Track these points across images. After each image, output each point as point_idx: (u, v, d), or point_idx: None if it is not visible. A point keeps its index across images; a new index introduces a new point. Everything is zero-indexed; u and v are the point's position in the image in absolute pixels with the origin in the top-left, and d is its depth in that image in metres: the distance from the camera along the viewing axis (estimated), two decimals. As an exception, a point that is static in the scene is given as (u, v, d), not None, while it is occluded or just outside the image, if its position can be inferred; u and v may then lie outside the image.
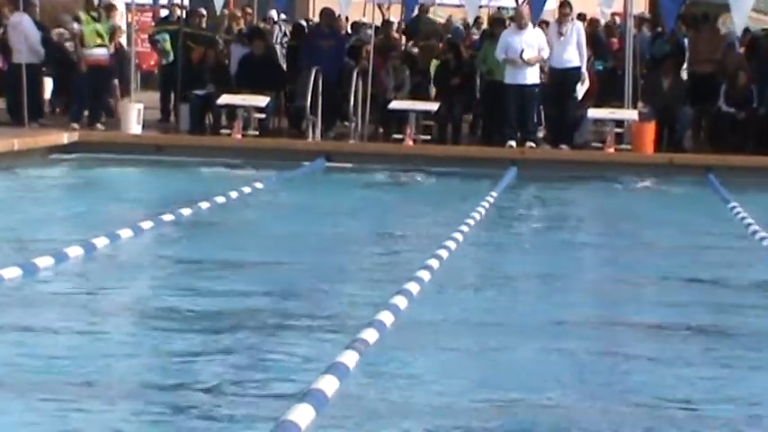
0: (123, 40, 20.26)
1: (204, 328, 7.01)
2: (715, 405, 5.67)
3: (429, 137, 18.33)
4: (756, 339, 7.11)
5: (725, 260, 10.11)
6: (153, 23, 21.64)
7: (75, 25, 18.46)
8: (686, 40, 19.65)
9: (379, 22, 21.50)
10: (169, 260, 9.40)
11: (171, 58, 19.53)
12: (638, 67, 18.34)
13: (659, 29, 20.88)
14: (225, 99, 17.84)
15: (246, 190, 13.45)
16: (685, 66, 19.39)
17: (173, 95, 19.64)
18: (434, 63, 19.35)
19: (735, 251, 10.61)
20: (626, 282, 9.12)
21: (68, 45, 19.08)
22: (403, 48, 20.32)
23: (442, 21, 24.53)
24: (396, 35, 21.13)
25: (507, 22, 19.10)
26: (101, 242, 9.53)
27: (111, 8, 19.17)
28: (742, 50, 19.40)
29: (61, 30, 18.72)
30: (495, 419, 5.45)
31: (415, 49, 20.27)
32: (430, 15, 23.80)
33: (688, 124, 18.33)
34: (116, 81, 19.45)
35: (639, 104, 18.11)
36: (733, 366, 6.47)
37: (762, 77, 18.43)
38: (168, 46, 19.51)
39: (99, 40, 18.08)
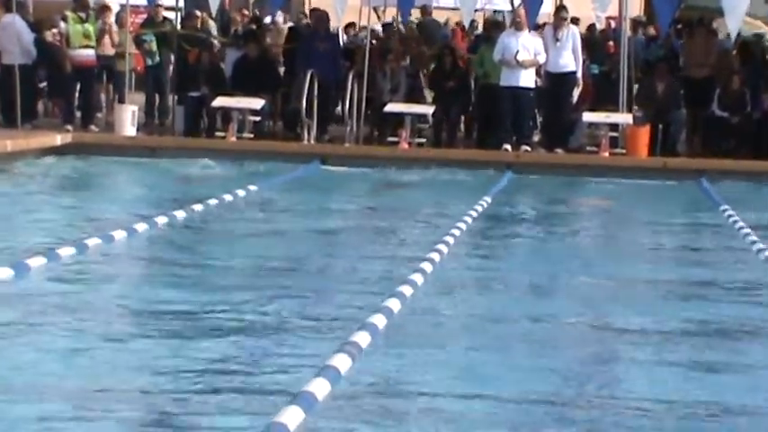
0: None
1: (195, 329, 7.02)
2: (704, 409, 5.68)
3: (424, 140, 18.35)
4: (745, 342, 7.13)
5: (716, 264, 10.14)
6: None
7: (62, 25, 18.46)
8: (680, 44, 19.69)
9: (374, 24, 21.51)
10: (162, 262, 9.42)
11: (157, 59, 19.54)
12: (633, 71, 18.37)
13: (653, 32, 20.92)
14: (220, 101, 17.85)
15: (241, 193, 13.46)
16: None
17: (157, 97, 19.64)
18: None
19: (726, 255, 10.63)
20: (617, 286, 9.13)
21: (62, 46, 19.08)
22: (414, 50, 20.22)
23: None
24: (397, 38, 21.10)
25: (505, 24, 19.15)
26: (93, 243, 9.54)
27: (104, 9, 19.15)
28: (735, 54, 19.43)
29: (54, 30, 18.71)
30: (486, 421, 5.45)
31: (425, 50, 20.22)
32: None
33: (682, 128, 18.37)
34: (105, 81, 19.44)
35: (634, 108, 18.15)
36: (724, 370, 6.48)
37: (755, 82, 18.47)
38: (154, 47, 19.51)
39: (85, 41, 18.08)
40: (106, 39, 18.68)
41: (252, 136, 17.87)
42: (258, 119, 18.10)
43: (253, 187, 13.93)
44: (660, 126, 17.98)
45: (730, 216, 12.58)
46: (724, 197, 14.09)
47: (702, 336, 7.28)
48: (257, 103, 17.88)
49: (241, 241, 10.64)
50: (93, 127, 18.21)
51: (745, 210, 13.05)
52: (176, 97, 18.84)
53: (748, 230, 11.36)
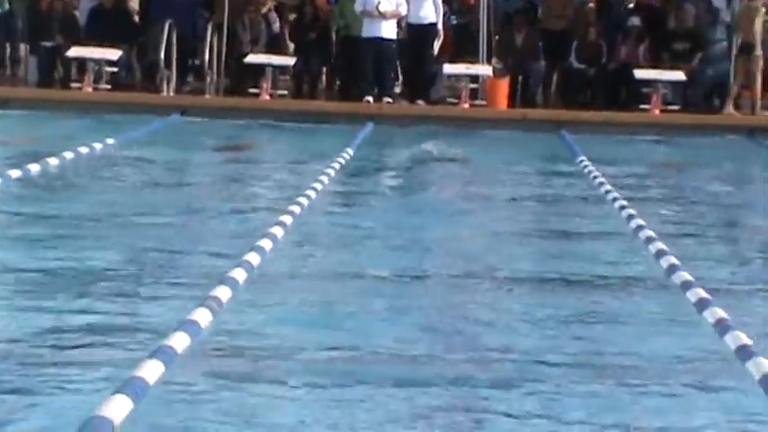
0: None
1: (50, 285, 6.88)
2: (557, 354, 5.77)
3: (285, 91, 18.24)
4: (599, 291, 7.26)
5: (573, 213, 10.31)
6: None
7: None
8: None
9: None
10: (15, 218, 9.18)
11: (6, 6, 19.01)
12: (493, 23, 18.49)
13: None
14: (75, 51, 17.46)
15: (98, 146, 13.20)
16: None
17: (8, 46, 19.10)
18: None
19: (582, 205, 10.82)
20: (477, 237, 9.22)
21: None
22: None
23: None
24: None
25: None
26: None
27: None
28: (592, 6, 19.70)
29: None
30: (346, 369, 5.46)
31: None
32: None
33: (541, 80, 18.59)
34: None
35: (493, 60, 18.29)
36: (580, 320, 6.60)
37: (611, 34, 18.78)
38: None
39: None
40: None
41: (109, 87, 17.54)
42: (115, 70, 17.77)
43: (110, 140, 13.67)
44: (519, 78, 18.17)
45: (586, 167, 12.79)
46: (582, 148, 14.32)
47: (561, 285, 7.38)
48: (114, 53, 17.55)
49: (97, 196, 10.43)
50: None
51: (602, 160, 13.29)
52: (28, 47, 18.35)
53: (603, 180, 11.58)
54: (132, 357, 5.36)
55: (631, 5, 19.53)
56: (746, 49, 17.97)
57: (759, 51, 17.83)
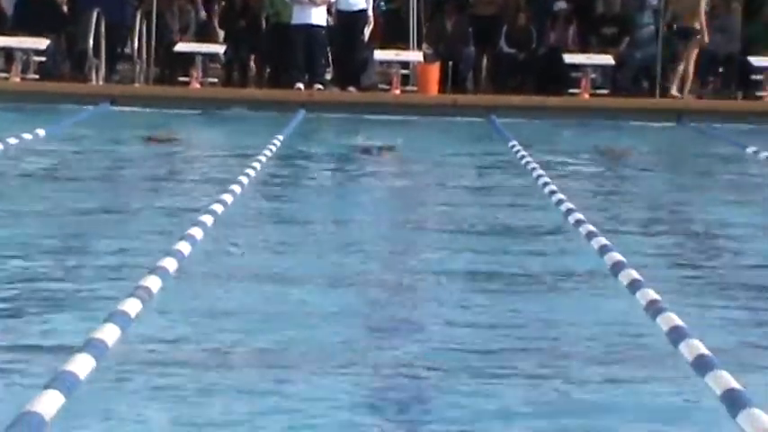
0: None
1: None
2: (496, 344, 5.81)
3: (216, 79, 18.16)
4: (526, 280, 7.28)
5: (505, 201, 10.34)
6: None
7: None
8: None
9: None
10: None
11: None
12: (423, 9, 18.53)
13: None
14: (2, 41, 17.27)
15: (27, 136, 13.06)
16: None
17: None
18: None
19: (514, 191, 10.86)
20: (411, 225, 9.22)
21: None
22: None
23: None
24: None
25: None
26: None
27: None
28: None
29: None
30: (275, 359, 5.46)
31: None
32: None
33: (471, 65, 18.66)
34: None
35: (424, 46, 18.34)
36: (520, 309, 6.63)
37: (540, 19, 18.90)
38: None
39: None
40: None
41: (37, 77, 17.36)
42: (43, 59, 17.59)
43: (40, 131, 13.53)
44: (450, 63, 18.24)
45: (518, 152, 12.86)
46: (513, 133, 14.39)
47: (496, 278, 7.37)
48: (42, 42, 17.37)
49: (26, 187, 10.33)
50: None
51: (533, 145, 13.37)
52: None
53: (535, 165, 11.64)
54: (63, 349, 5.31)
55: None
56: (684, 33, 18.10)
57: (706, 37, 18.00)
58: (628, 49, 18.67)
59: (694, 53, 18.11)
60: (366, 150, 13.45)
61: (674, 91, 18.14)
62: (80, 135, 14.18)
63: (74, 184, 10.66)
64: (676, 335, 5.51)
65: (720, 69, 19.32)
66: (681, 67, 18.14)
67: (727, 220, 9.63)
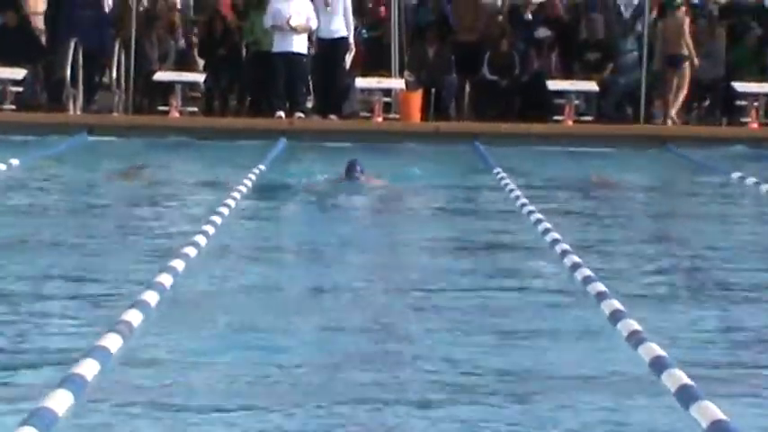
0: None
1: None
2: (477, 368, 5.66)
3: (196, 108, 18.00)
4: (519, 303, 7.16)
5: (489, 227, 10.22)
6: None
7: None
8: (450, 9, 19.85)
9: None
10: None
11: None
12: (405, 36, 18.43)
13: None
14: (-22, 72, 17.09)
15: (2, 167, 12.85)
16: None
17: None
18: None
19: (498, 217, 10.74)
20: (395, 251, 9.10)
21: None
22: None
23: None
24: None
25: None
26: None
27: None
28: (503, 18, 19.71)
29: None
30: (259, 391, 5.28)
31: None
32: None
33: (453, 92, 18.54)
34: None
35: (406, 73, 18.23)
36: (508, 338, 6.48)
37: (523, 45, 18.81)
38: None
39: None
40: None
41: (14, 107, 17.19)
42: (20, 89, 17.42)
43: (15, 161, 13.32)
44: (432, 91, 18.12)
45: (502, 179, 12.72)
46: (496, 160, 14.26)
47: (474, 292, 7.30)
48: (18, 73, 17.22)
49: (2, 217, 10.12)
50: None
51: (516, 171, 13.25)
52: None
53: (518, 193, 11.49)
54: (37, 386, 5.11)
55: (541, 17, 19.55)
56: (673, 60, 18.00)
57: (696, 61, 17.92)
58: (611, 76, 18.58)
59: (686, 79, 17.99)
60: (348, 176, 13.10)
61: (673, 117, 18.03)
62: (57, 165, 13.99)
63: (49, 214, 10.47)
64: (659, 365, 5.42)
65: (705, 95, 19.23)
66: (671, 96, 18.04)
67: (714, 245, 9.59)
